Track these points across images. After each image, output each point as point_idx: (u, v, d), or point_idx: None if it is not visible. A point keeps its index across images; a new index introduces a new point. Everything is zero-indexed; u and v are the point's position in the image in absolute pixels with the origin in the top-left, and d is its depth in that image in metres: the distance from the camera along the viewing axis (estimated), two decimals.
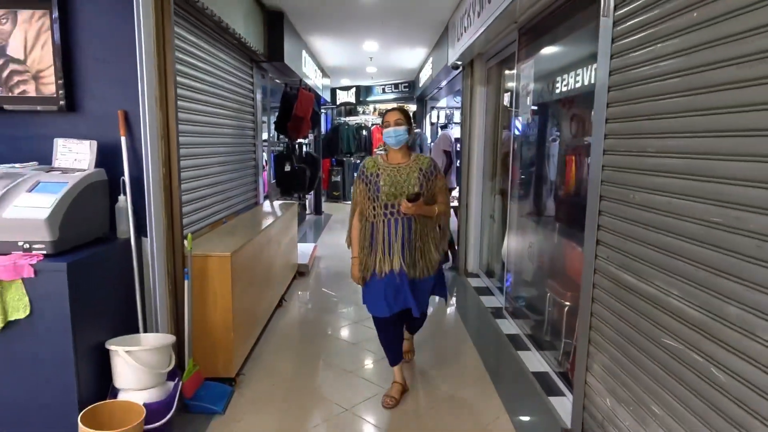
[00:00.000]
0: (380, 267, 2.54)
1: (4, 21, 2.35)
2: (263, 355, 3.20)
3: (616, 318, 1.95)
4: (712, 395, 1.40)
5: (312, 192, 7.96)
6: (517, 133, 3.85)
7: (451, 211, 5.64)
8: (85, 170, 2.27)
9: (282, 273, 4.22)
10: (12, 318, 1.93)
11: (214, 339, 2.68)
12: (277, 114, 5.58)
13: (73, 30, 2.37)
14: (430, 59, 7.22)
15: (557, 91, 3.08)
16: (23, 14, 2.34)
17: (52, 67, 2.37)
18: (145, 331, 2.43)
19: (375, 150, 11.31)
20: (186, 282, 2.55)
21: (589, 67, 2.62)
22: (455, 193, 5.67)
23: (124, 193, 2.39)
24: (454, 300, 4.52)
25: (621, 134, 1.94)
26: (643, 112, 1.78)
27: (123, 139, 2.39)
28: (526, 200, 3.74)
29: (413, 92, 10.12)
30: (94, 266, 2.13)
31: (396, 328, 2.71)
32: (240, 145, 4.21)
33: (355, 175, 2.86)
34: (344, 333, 3.66)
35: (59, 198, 2.02)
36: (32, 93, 2.39)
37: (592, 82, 2.49)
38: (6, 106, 2.39)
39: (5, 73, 2.38)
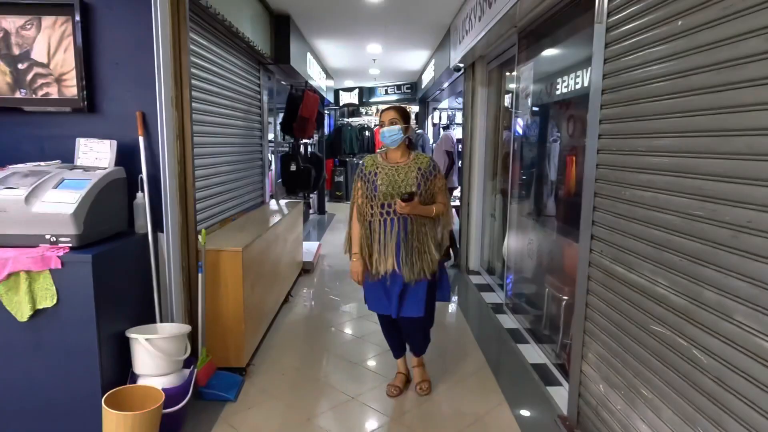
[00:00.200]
0: (376, 267, 2.53)
1: (29, 27, 2.47)
2: (272, 347, 3.33)
3: (609, 308, 2.07)
4: (694, 375, 1.52)
5: (316, 192, 8.09)
6: (517, 133, 3.97)
7: (453, 210, 5.78)
8: (105, 168, 2.39)
9: (288, 269, 4.34)
10: (40, 306, 2.05)
11: (226, 330, 2.80)
12: (282, 115, 5.71)
13: (93, 35, 2.49)
14: (433, 61, 7.35)
15: (556, 93, 3.20)
16: (47, 20, 2.47)
17: (74, 71, 2.49)
18: (161, 321, 2.55)
19: (378, 150, 11.44)
20: (200, 275, 2.67)
21: (586, 70, 2.73)
22: (457, 192, 5.78)
23: (142, 190, 2.51)
24: (455, 297, 4.63)
25: (613, 134, 2.06)
26: (633, 114, 1.90)
27: (141, 139, 2.51)
28: (525, 199, 3.86)
29: (415, 93, 10.25)
30: (115, 259, 2.25)
31: (397, 325, 2.70)
32: (248, 145, 4.34)
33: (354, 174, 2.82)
34: (349, 327, 3.78)
35: (83, 194, 2.14)
36: (55, 95, 2.52)
37: (588, 84, 2.60)
38: (30, 108, 2.52)
39: (30, 76, 2.50)
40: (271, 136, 5.56)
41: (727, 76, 1.40)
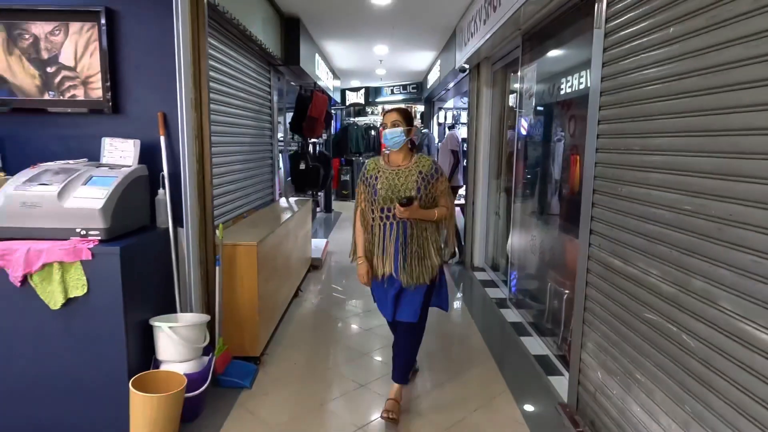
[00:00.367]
0: (375, 270, 2.52)
1: (57, 32, 2.61)
2: (284, 339, 3.46)
3: (607, 299, 2.19)
4: (683, 358, 1.64)
5: (323, 190, 8.22)
6: (521, 133, 4.07)
7: (458, 209, 5.88)
8: (129, 166, 2.53)
9: (298, 265, 4.47)
10: (72, 295, 2.19)
11: (242, 321, 2.93)
12: (292, 114, 5.84)
13: (118, 40, 2.62)
14: (438, 62, 7.46)
15: (559, 93, 3.31)
16: (74, 26, 2.61)
17: (99, 74, 2.63)
18: (181, 311, 2.69)
19: (383, 150, 11.55)
20: (217, 268, 2.81)
21: (588, 71, 2.84)
22: (462, 191, 5.89)
23: (163, 187, 2.65)
24: (460, 293, 4.75)
25: (611, 134, 2.17)
26: (629, 115, 2.01)
27: (162, 138, 2.64)
28: (529, 197, 3.97)
29: (421, 93, 10.36)
30: (139, 252, 2.39)
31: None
32: (259, 144, 4.47)
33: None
34: (357, 320, 3.91)
35: (110, 190, 2.28)
36: (81, 97, 2.66)
37: (588, 86, 2.71)
38: (58, 109, 2.66)
39: (58, 79, 2.64)
40: (280, 136, 5.70)
41: (713, 80, 1.51)
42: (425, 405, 2.67)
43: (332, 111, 9.39)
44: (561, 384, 2.80)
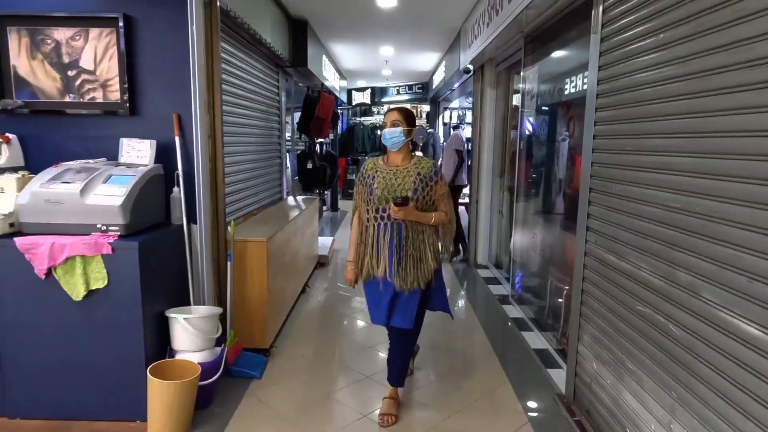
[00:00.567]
0: (368, 271, 2.45)
1: (78, 38, 2.74)
2: (292, 332, 3.58)
3: (602, 293, 2.28)
4: (670, 347, 1.73)
5: (330, 189, 8.34)
6: (523, 134, 4.17)
7: (462, 208, 5.97)
8: (146, 165, 2.65)
9: (305, 262, 4.59)
10: (93, 287, 2.32)
11: (252, 314, 3.05)
12: (299, 115, 5.96)
13: (135, 45, 2.75)
14: (443, 63, 7.55)
15: (560, 95, 3.40)
16: (93, 32, 2.73)
17: (117, 77, 2.76)
18: (195, 304, 2.81)
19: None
20: (228, 263, 2.93)
21: (587, 74, 2.93)
22: (466, 190, 5.98)
23: (178, 186, 2.77)
24: (464, 290, 4.85)
25: (606, 135, 2.27)
26: (623, 117, 2.11)
27: (177, 139, 2.76)
28: (531, 196, 4.06)
29: (427, 93, 10.45)
30: (156, 247, 2.51)
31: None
32: (268, 144, 4.60)
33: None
34: (362, 315, 4.02)
35: (129, 188, 2.40)
36: (100, 99, 2.78)
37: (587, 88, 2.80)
38: (78, 111, 2.79)
39: (78, 82, 2.77)
40: (288, 136, 5.82)
41: (697, 85, 1.61)
42: (427, 395, 2.78)
43: (339, 111, 9.51)
44: (560, 376, 2.90)
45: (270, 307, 3.12)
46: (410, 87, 11.04)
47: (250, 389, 2.77)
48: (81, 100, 2.79)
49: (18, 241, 2.28)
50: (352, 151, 10.87)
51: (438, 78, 8.35)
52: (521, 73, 4.13)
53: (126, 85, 2.75)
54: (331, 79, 7.36)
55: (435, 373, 3.04)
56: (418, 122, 12.40)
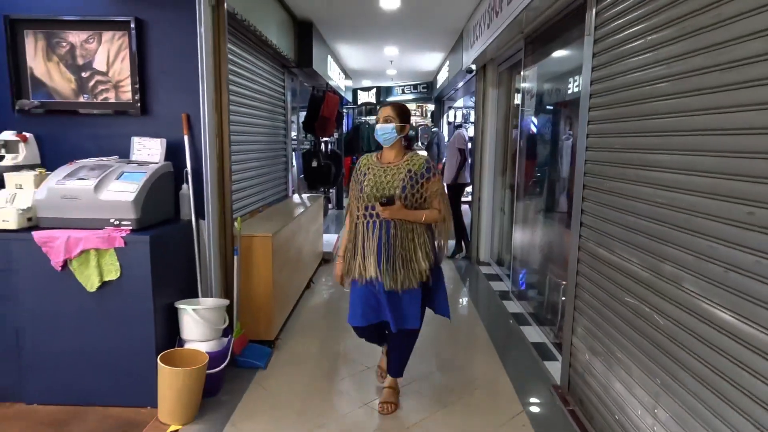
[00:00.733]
0: (359, 272, 2.39)
1: (91, 41, 2.86)
2: (296, 325, 3.69)
3: (594, 286, 2.37)
4: (654, 336, 1.82)
5: (335, 188, 8.45)
6: (527, 132, 4.24)
7: (465, 207, 6.05)
8: (156, 163, 2.76)
9: (310, 258, 4.70)
10: (106, 279, 2.43)
11: (257, 306, 3.16)
12: (305, 114, 6.07)
13: (146, 47, 2.86)
14: (447, 62, 7.63)
15: (558, 95, 3.48)
16: (106, 35, 2.85)
17: (129, 78, 2.87)
18: (203, 296, 2.92)
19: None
20: (235, 257, 3.03)
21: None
22: (469, 188, 6.06)
23: (187, 183, 2.88)
24: (466, 286, 4.93)
25: (598, 134, 2.35)
26: (612, 116, 2.19)
27: (186, 138, 2.87)
28: (529, 194, 4.14)
29: (431, 93, 10.54)
30: (166, 241, 2.62)
31: (371, 338, 2.65)
32: (274, 142, 4.70)
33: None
34: None
35: (140, 185, 2.51)
36: (113, 99, 2.90)
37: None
38: (92, 110, 2.90)
39: (91, 83, 2.89)
40: (293, 135, 5.93)
41: (680, 86, 1.69)
42: (426, 385, 2.87)
43: (344, 111, 9.61)
44: (556, 368, 2.98)
45: (275, 301, 3.22)
46: (415, 86, 11.12)
47: (256, 379, 2.88)
48: (94, 100, 2.90)
49: (36, 234, 2.39)
50: (357, 150, 10.95)
51: (442, 77, 8.43)
52: (521, 73, 4.20)
53: (137, 86, 2.86)
54: (336, 78, 7.46)
55: (434, 364, 3.13)
56: (423, 121, 12.52)
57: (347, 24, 5.73)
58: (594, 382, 2.34)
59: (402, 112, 2.47)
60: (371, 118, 11.68)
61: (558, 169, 3.55)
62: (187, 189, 2.88)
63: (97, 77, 2.88)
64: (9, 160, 2.74)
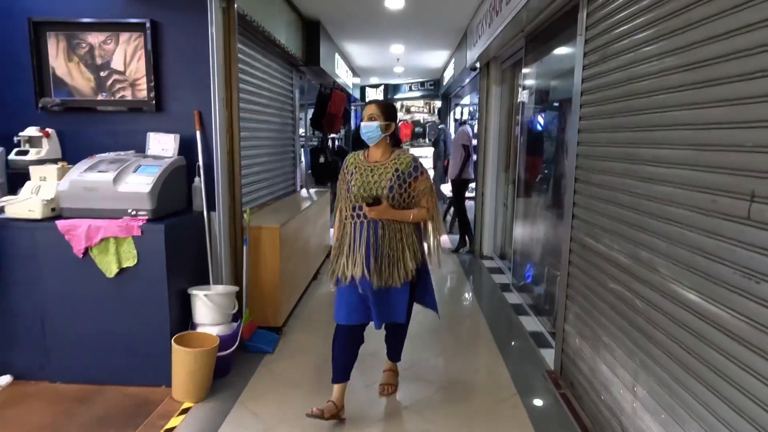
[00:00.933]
0: (343, 271, 2.34)
1: (109, 42, 3.02)
2: (303, 313, 3.85)
3: (583, 274, 2.49)
4: (633, 318, 1.94)
5: None
6: (527, 128, 4.35)
7: (471, 203, 6.16)
8: (170, 157, 2.92)
9: (317, 250, 4.85)
10: (124, 265, 2.60)
11: (265, 294, 3.31)
12: (312, 111, 6.23)
13: (160, 47, 3.02)
14: (453, 60, 7.74)
15: (554, 92, 3.59)
16: (123, 36, 3.01)
17: (145, 77, 3.03)
18: (214, 283, 3.08)
19: (402, 144, 11.87)
20: (245, 247, 3.19)
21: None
22: (472, 184, 6.18)
23: (199, 176, 3.04)
24: (469, 279, 5.06)
25: (589, 130, 2.47)
26: (601, 113, 2.31)
27: (198, 133, 3.03)
28: (529, 188, 4.25)
29: (438, 90, 10.64)
30: (179, 231, 2.78)
31: (353, 343, 2.46)
32: (282, 138, 4.86)
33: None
34: None
35: (156, 177, 2.68)
36: (129, 97, 3.07)
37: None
38: (110, 108, 3.07)
39: (109, 82, 3.06)
40: (301, 131, 6.09)
41: (656, 84, 1.80)
42: (425, 369, 3.01)
43: (351, 107, 9.75)
44: (550, 355, 3.10)
45: (282, 289, 3.38)
46: (422, 84, 11.23)
47: (264, 362, 3.04)
48: (112, 98, 3.07)
49: (59, 223, 2.57)
50: (363, 147, 11.10)
51: (448, 75, 8.54)
52: (522, 71, 4.31)
53: (152, 84, 3.02)
54: (343, 76, 7.60)
55: (435, 351, 3.27)
56: (430, 118, 12.62)
57: (354, 23, 5.86)
58: (583, 366, 2.46)
59: (387, 111, 2.42)
60: None
61: (555, 165, 3.66)
62: (199, 182, 3.04)
63: (115, 76, 3.05)
64: (33, 154, 2.92)
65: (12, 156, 2.92)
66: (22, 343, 2.69)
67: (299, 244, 3.96)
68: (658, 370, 1.76)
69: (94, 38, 3.02)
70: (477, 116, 9.14)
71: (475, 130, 6.13)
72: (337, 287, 2.44)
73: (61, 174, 2.74)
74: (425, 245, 2.48)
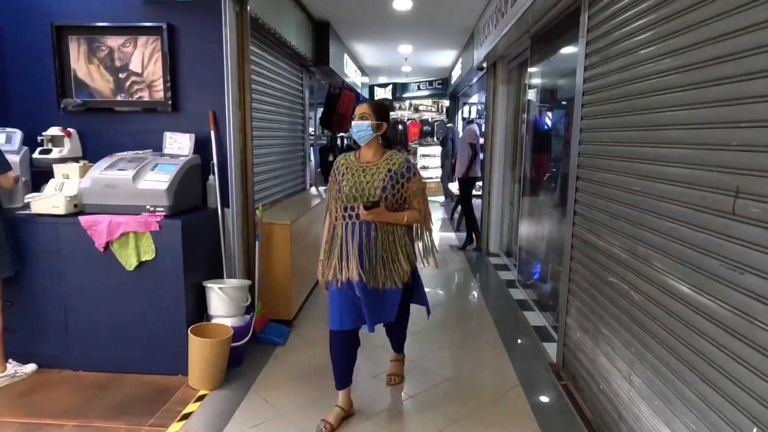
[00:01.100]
0: (335, 274, 2.28)
1: (128, 45, 3.15)
2: (313, 307, 3.96)
3: (584, 269, 2.57)
4: (630, 310, 2.02)
5: None
6: (533, 127, 4.42)
7: (478, 201, 6.23)
8: (186, 156, 3.04)
9: None
10: (143, 259, 2.72)
11: (277, 288, 3.43)
12: (322, 111, 6.34)
13: (176, 50, 3.13)
14: (460, 60, 7.81)
15: (559, 92, 3.66)
16: (141, 39, 3.13)
17: (161, 78, 3.15)
18: (227, 277, 3.19)
19: (410, 143, 11.97)
20: (257, 242, 3.30)
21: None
22: (479, 183, 6.25)
23: (213, 174, 3.15)
24: (475, 276, 5.14)
25: (590, 129, 2.55)
26: (601, 113, 2.38)
27: (212, 133, 3.14)
28: (533, 186, 4.32)
29: (446, 89, 10.70)
30: (195, 226, 2.89)
31: (349, 348, 2.45)
32: (292, 138, 4.97)
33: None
34: None
35: (173, 175, 2.79)
36: (147, 98, 3.19)
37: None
38: (128, 108, 3.20)
39: (128, 83, 3.18)
40: (311, 130, 6.20)
41: (655, 85, 1.88)
42: (430, 361, 3.10)
43: None
44: (553, 348, 3.18)
45: (293, 283, 3.49)
46: (430, 83, 11.30)
47: (275, 353, 3.15)
48: (130, 99, 3.19)
49: (82, 219, 2.69)
50: None
51: (456, 74, 8.60)
52: (528, 70, 4.38)
53: (169, 86, 3.14)
54: (352, 76, 7.70)
55: (440, 344, 3.36)
56: (438, 117, 12.69)
57: (363, 24, 5.96)
58: (584, 358, 2.54)
59: (378, 110, 2.36)
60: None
61: (560, 164, 3.73)
62: (214, 180, 3.15)
63: (133, 78, 3.17)
64: (56, 153, 3.06)
65: (36, 155, 3.06)
66: (47, 334, 2.82)
67: (309, 240, 4.07)
68: (653, 360, 1.84)
69: (114, 41, 3.14)
70: (484, 115, 9.22)
71: (483, 129, 6.20)
72: (329, 291, 2.39)
73: (83, 172, 2.87)
74: (418, 245, 2.46)
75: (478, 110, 10.28)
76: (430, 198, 10.75)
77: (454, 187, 7.46)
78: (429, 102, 12.97)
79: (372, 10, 5.33)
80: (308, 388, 2.75)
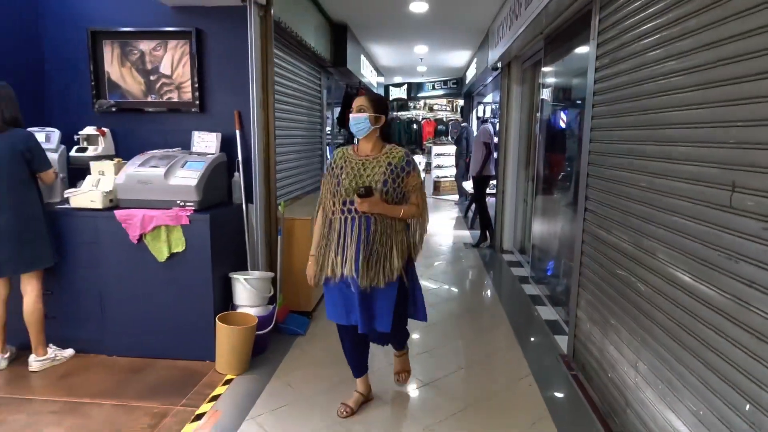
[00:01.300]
0: (332, 269, 2.25)
1: (158, 48, 3.32)
2: None
3: (594, 263, 2.67)
4: (637, 301, 2.12)
5: None
6: (546, 127, 4.51)
7: (492, 199, 6.32)
8: (213, 154, 3.20)
9: None
10: (174, 251, 2.88)
11: (297, 281, 3.57)
12: (339, 110, 6.48)
13: (204, 53, 3.30)
14: (475, 60, 7.90)
15: (572, 92, 3.75)
16: (171, 43, 3.30)
17: (190, 80, 3.32)
18: (251, 269, 3.35)
19: (425, 142, 12.07)
20: (279, 237, 3.46)
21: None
22: (493, 181, 6.34)
23: (238, 171, 3.31)
24: (488, 274, 5.24)
25: (600, 128, 2.64)
26: (611, 112, 2.48)
27: (237, 132, 3.30)
28: (546, 184, 4.41)
29: (461, 88, 10.78)
30: (222, 221, 3.05)
31: (358, 343, 2.46)
32: (311, 136, 5.13)
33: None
34: None
35: (201, 172, 2.96)
36: (176, 99, 3.36)
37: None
38: (158, 109, 3.37)
39: (158, 85, 3.35)
40: (328, 129, 6.35)
41: (662, 85, 1.98)
42: (445, 351, 3.22)
43: None
44: (564, 341, 3.28)
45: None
46: (445, 82, 11.40)
47: (296, 343, 3.30)
48: (160, 99, 3.37)
49: (117, 213, 2.87)
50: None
51: (471, 74, 8.69)
52: (542, 70, 4.47)
53: (196, 87, 3.31)
54: (368, 76, 7.84)
55: (454, 337, 3.48)
56: (452, 116, 12.77)
57: (379, 25, 6.10)
58: (593, 348, 2.64)
59: (376, 102, 2.32)
60: (402, 114, 12.03)
61: (572, 162, 3.81)
62: (239, 177, 3.31)
63: (163, 80, 3.35)
64: (91, 151, 3.24)
65: (72, 153, 3.25)
66: (84, 321, 3.01)
67: None
68: (657, 347, 1.94)
69: (145, 45, 3.32)
70: (498, 114, 9.30)
71: (497, 128, 6.29)
72: (324, 287, 2.37)
73: (118, 169, 3.05)
74: (411, 239, 2.39)
75: (492, 109, 10.36)
76: (444, 197, 10.78)
77: (468, 185, 7.55)
78: (444, 101, 13.05)
79: (389, 12, 5.46)
80: (328, 374, 2.89)
